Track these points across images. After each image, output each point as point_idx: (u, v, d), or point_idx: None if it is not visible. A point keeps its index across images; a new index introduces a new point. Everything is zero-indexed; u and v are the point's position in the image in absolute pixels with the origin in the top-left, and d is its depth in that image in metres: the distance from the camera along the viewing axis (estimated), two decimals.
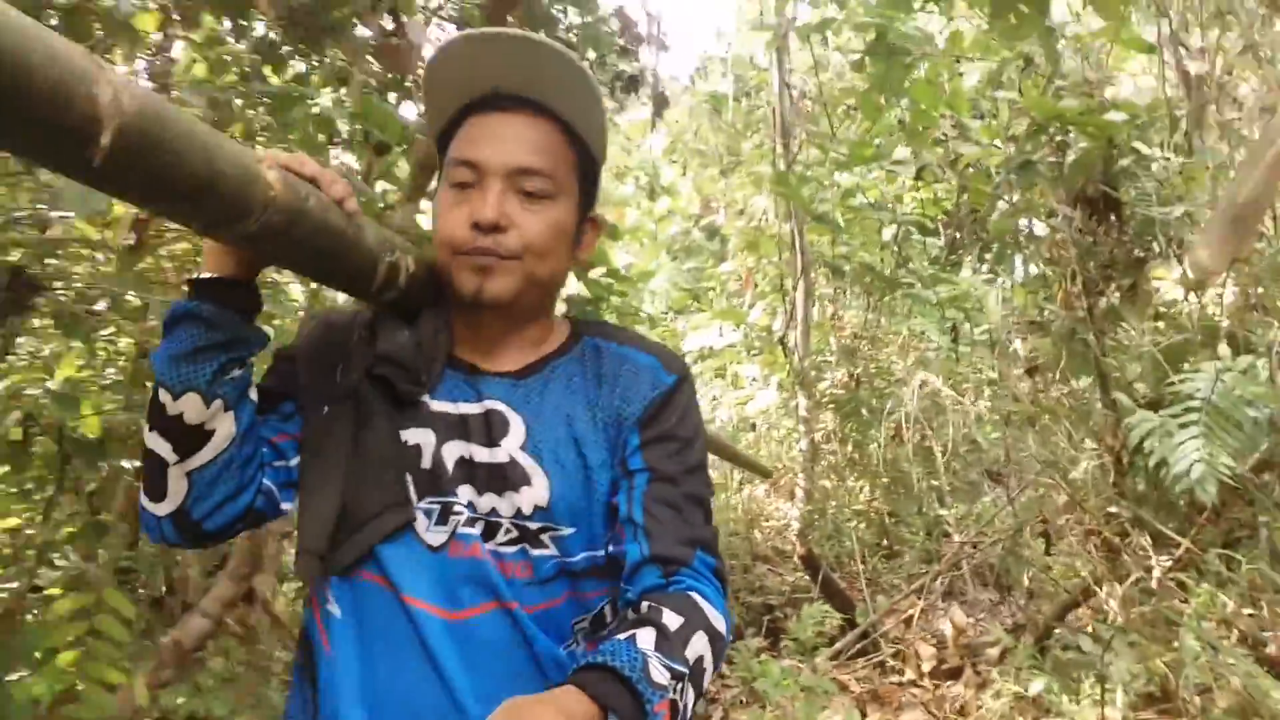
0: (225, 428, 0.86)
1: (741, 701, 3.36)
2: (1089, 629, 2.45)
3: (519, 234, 0.91)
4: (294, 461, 0.95)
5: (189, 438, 0.84)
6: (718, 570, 0.92)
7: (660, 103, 3.38)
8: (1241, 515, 2.32)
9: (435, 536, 0.89)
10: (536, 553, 0.90)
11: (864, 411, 4.49)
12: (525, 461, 0.91)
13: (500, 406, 0.94)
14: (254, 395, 0.90)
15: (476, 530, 0.89)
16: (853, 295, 5.47)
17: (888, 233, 5.00)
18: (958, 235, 4.78)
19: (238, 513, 0.90)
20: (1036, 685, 2.22)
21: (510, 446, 0.92)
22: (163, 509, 0.87)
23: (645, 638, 0.79)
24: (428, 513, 0.90)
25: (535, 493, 0.90)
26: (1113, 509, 2.56)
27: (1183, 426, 2.35)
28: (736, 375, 6.06)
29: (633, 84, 3.15)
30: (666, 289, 7.25)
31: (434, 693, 0.87)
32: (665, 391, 0.96)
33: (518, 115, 0.93)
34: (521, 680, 0.87)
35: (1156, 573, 2.38)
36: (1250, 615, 2.11)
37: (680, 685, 0.78)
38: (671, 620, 0.81)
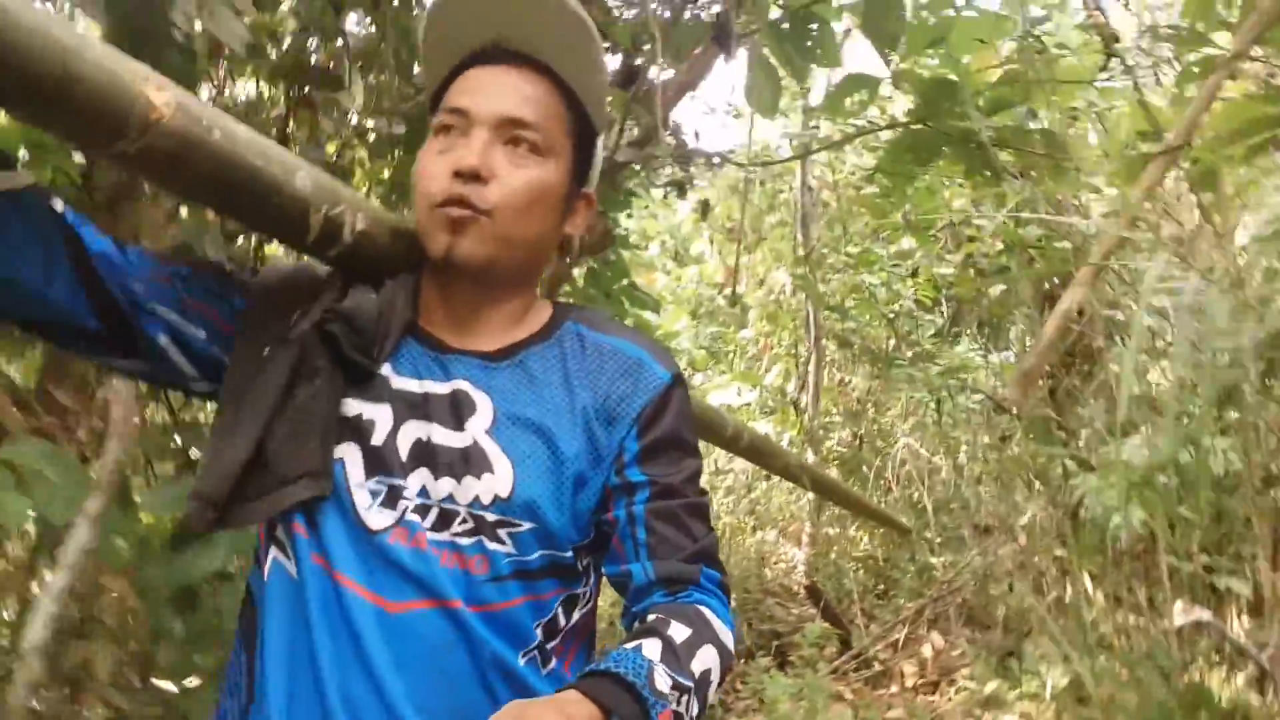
0: None
1: (752, 709, 3.96)
2: (1035, 648, 3.07)
3: (499, 186, 0.85)
4: (201, 334, 0.87)
5: None
6: (722, 583, 0.90)
7: (685, 183, 4.05)
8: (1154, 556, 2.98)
9: (378, 519, 0.83)
10: (492, 547, 0.84)
11: (864, 468, 5.13)
12: (489, 447, 0.85)
13: (468, 387, 0.88)
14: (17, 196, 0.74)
15: (427, 520, 0.83)
16: (859, 364, 6.14)
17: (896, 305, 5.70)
18: (956, 311, 5.48)
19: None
20: (990, 685, 2.81)
21: (475, 430, 0.86)
22: None
23: (651, 648, 0.77)
24: (374, 493, 0.83)
25: (497, 482, 0.84)
26: (1059, 553, 3.20)
27: (1111, 487, 3.01)
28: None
29: (681, 190, 3.84)
30: (689, 348, 7.94)
31: (362, 691, 0.80)
32: (661, 391, 0.91)
33: (515, 69, 0.89)
34: (459, 687, 0.81)
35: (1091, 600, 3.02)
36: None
37: (685, 698, 0.76)
38: (679, 632, 0.80)
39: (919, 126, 2.34)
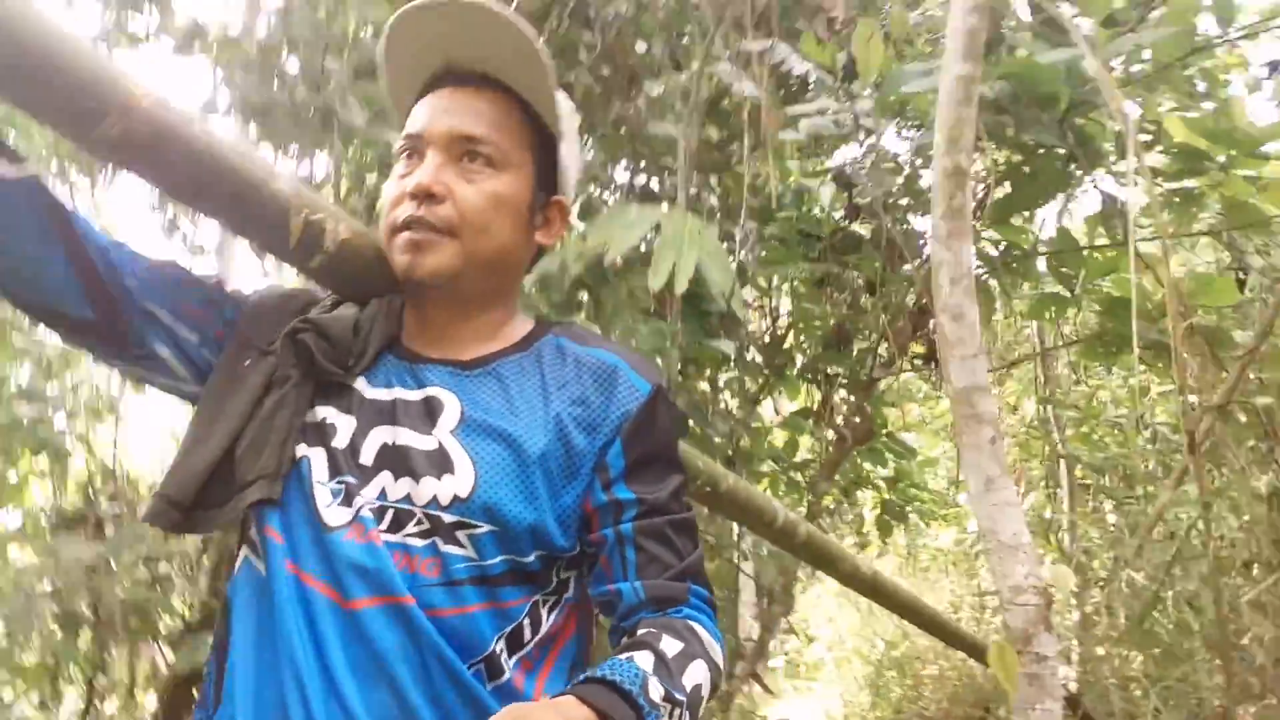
0: None
1: None
2: None
3: (455, 204, 0.87)
4: (194, 338, 0.90)
5: None
6: (709, 600, 0.90)
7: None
8: None
9: (335, 516, 0.84)
10: (446, 549, 0.83)
11: (1124, 587, 5.46)
12: (453, 448, 0.86)
13: (439, 392, 0.89)
14: (17, 185, 0.77)
15: (384, 521, 0.83)
16: (1115, 488, 6.43)
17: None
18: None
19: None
20: None
21: (441, 431, 0.87)
22: None
23: (644, 659, 0.78)
24: (334, 492, 0.85)
25: (457, 482, 0.84)
26: None
27: None
28: None
29: (928, 360, 4.64)
30: (946, 474, 8.42)
31: (319, 688, 0.80)
32: (644, 403, 0.91)
33: (467, 89, 0.91)
34: (406, 690, 0.80)
35: None
36: None
37: (677, 711, 0.77)
38: (670, 646, 0.80)
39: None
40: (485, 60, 0.91)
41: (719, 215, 3.26)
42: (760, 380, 3.77)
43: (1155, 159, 2.76)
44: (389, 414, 0.88)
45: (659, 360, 1.75)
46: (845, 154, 3.20)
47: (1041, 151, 2.64)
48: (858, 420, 3.43)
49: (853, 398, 3.90)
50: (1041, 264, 3.04)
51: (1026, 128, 2.25)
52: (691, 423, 2.50)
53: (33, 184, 0.77)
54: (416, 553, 0.84)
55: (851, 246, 3.48)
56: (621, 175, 2.99)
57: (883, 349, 3.50)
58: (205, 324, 0.92)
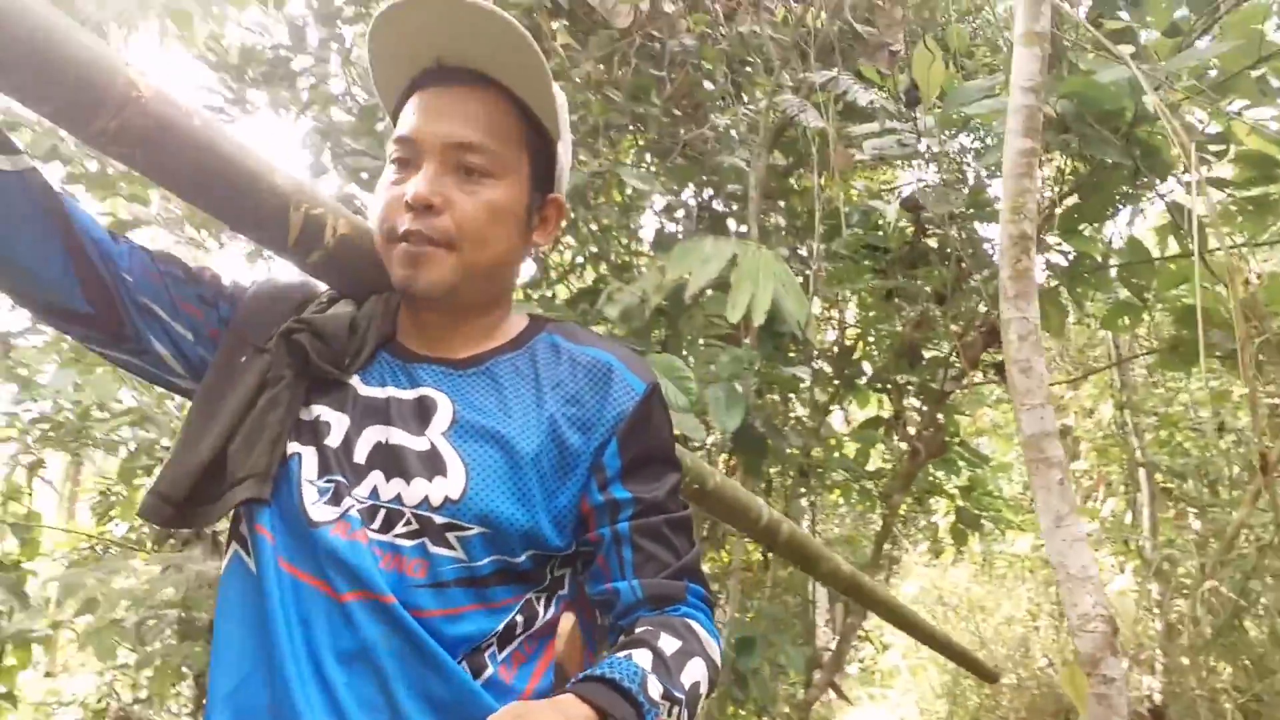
0: None
1: None
2: None
3: (454, 216, 0.86)
4: (189, 335, 0.90)
5: None
6: (705, 598, 0.90)
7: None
8: None
9: (321, 513, 0.84)
10: (436, 551, 0.83)
11: (1209, 596, 5.34)
12: (445, 450, 0.85)
13: (432, 392, 0.89)
14: (15, 179, 0.76)
15: (375, 521, 0.84)
16: (1199, 494, 6.29)
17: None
18: None
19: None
20: None
21: (434, 432, 0.87)
22: None
23: (642, 657, 0.78)
24: (322, 490, 0.85)
25: (448, 484, 0.84)
26: None
27: None
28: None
29: (999, 368, 4.64)
30: (1021, 478, 8.30)
31: (309, 679, 0.80)
32: (639, 403, 0.91)
33: (459, 88, 0.89)
34: (393, 682, 0.80)
35: None
36: None
37: (676, 709, 0.77)
38: (668, 644, 0.81)
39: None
40: (478, 57, 0.89)
41: (786, 234, 3.35)
42: (830, 390, 3.83)
43: (1226, 168, 2.76)
44: (383, 413, 0.88)
45: (737, 385, 1.86)
46: (910, 174, 3.26)
47: (1108, 164, 2.67)
48: (930, 432, 3.47)
49: (925, 408, 3.93)
50: (1114, 272, 3.05)
51: (1090, 144, 2.29)
52: (765, 435, 2.59)
53: (30, 176, 0.77)
54: (404, 553, 0.83)
55: (919, 259, 3.53)
56: (690, 198, 3.11)
57: (954, 359, 3.54)
58: (201, 321, 0.91)
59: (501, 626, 0.85)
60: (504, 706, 0.69)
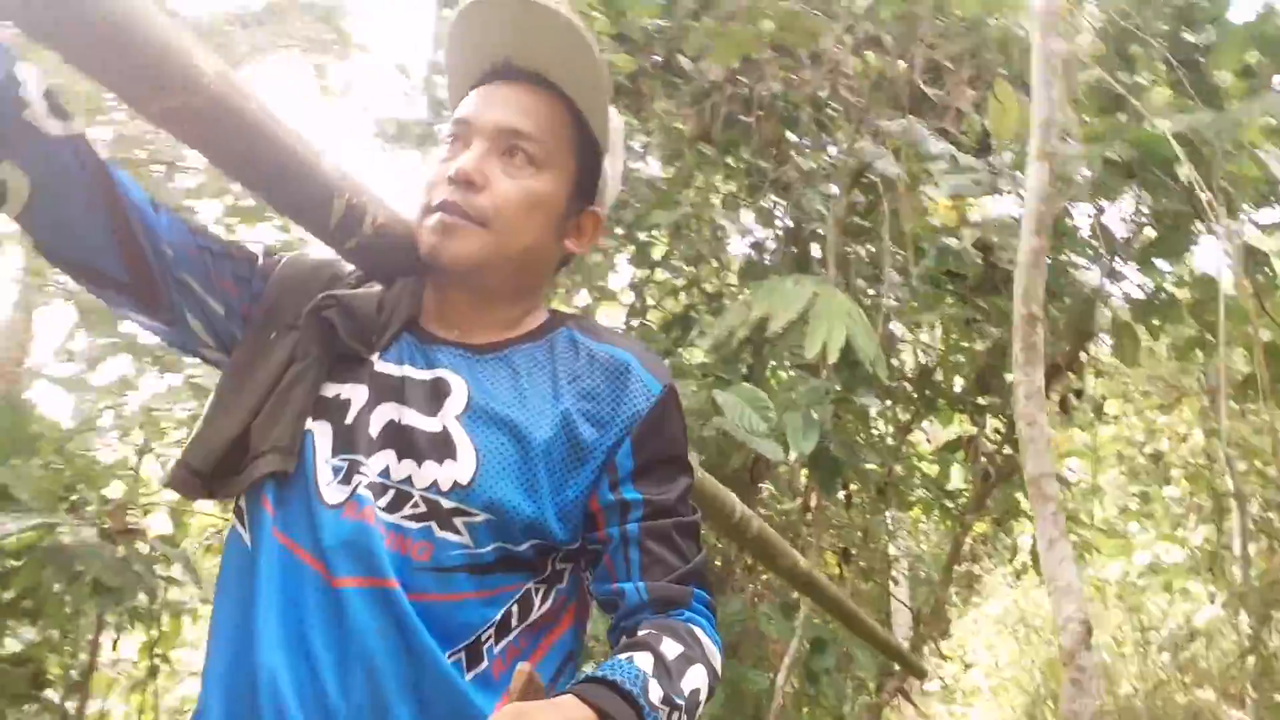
0: (16, 184, 0.76)
1: None
2: None
3: (492, 196, 0.88)
4: (221, 310, 0.91)
5: None
6: (710, 604, 0.91)
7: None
8: None
9: (333, 494, 0.84)
10: (443, 535, 0.83)
11: None
12: (457, 433, 0.86)
13: (448, 374, 0.89)
14: (68, 144, 0.77)
15: (383, 499, 0.83)
16: None
17: None
18: None
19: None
20: None
21: (447, 415, 0.87)
22: (26, 236, 0.81)
23: (643, 661, 0.78)
24: (335, 469, 0.85)
25: (459, 468, 0.84)
26: None
27: None
28: (1186, 590, 6.86)
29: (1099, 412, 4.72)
30: (1115, 501, 8.19)
31: (297, 661, 0.80)
32: (655, 404, 0.91)
33: (521, 85, 0.92)
34: (382, 672, 0.79)
35: None
36: None
37: (675, 714, 0.77)
38: (670, 649, 0.81)
39: None
40: (543, 61, 0.92)
41: (867, 264, 3.57)
42: (911, 410, 3.99)
43: None
44: (397, 391, 0.88)
45: (813, 412, 2.10)
46: (986, 206, 3.44)
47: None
48: (1002, 454, 3.61)
49: (1002, 430, 4.06)
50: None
51: (1152, 190, 2.45)
52: (840, 454, 2.81)
53: (79, 142, 0.77)
54: (409, 535, 0.83)
55: (998, 285, 3.69)
56: (774, 234, 3.36)
57: None
58: (234, 298, 0.92)
59: (499, 616, 0.85)
60: (505, 707, 0.68)
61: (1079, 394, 4.35)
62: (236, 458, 0.86)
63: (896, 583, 5.15)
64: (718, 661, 0.87)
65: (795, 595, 3.07)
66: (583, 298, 3.18)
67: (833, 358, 1.95)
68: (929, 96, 2.70)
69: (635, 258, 3.02)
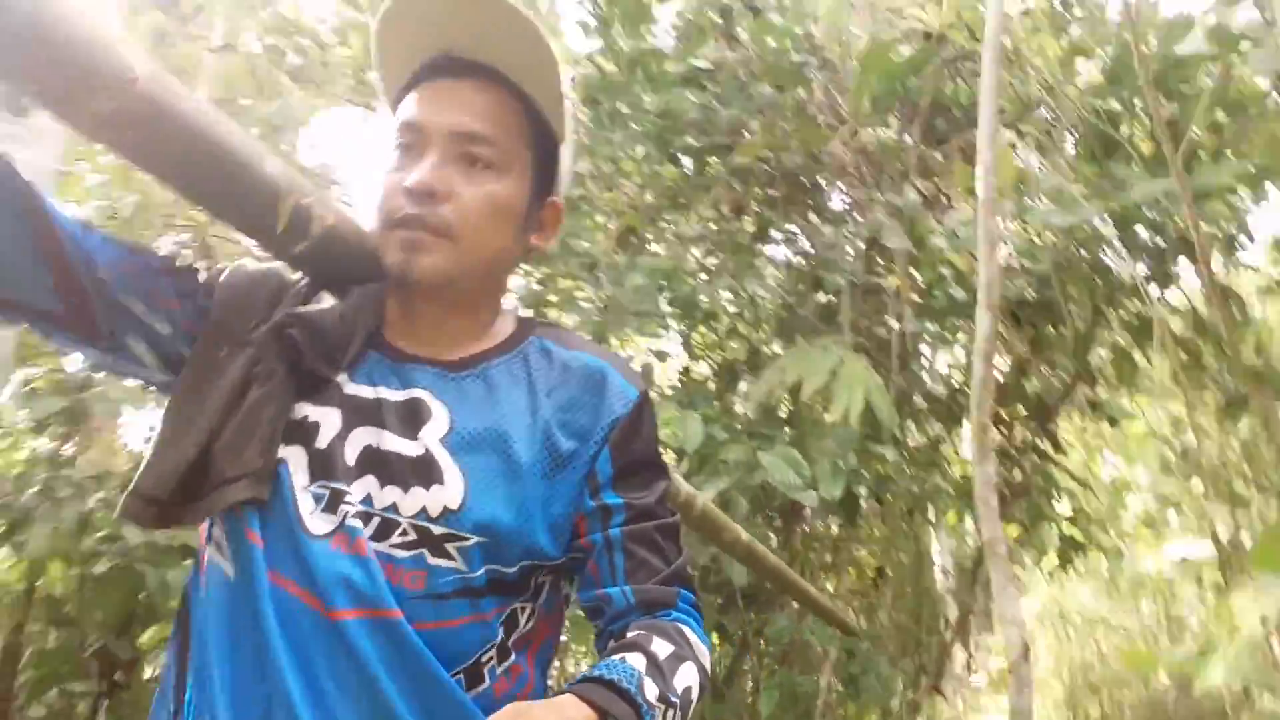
0: None
1: None
2: None
3: (455, 206, 0.85)
4: (167, 329, 0.86)
5: None
6: (695, 604, 0.91)
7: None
8: None
9: (319, 524, 0.81)
10: (435, 562, 0.81)
11: None
12: (442, 457, 0.84)
13: (426, 396, 0.87)
14: None
15: (369, 527, 0.81)
16: None
17: None
18: None
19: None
20: None
21: (429, 438, 0.84)
22: None
23: (636, 660, 0.78)
24: (317, 497, 0.81)
25: (446, 493, 0.82)
26: None
27: None
28: (1217, 584, 7.09)
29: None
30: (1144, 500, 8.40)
31: (298, 699, 0.77)
32: (632, 410, 0.91)
33: (468, 80, 0.88)
34: (388, 702, 0.78)
35: None
36: None
37: (670, 712, 0.78)
38: (661, 648, 0.81)
39: None
40: (487, 51, 0.89)
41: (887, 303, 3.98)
42: (942, 423, 4.38)
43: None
44: (373, 415, 0.85)
45: (840, 462, 2.54)
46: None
47: None
48: (1029, 461, 4.03)
49: (1029, 439, 4.42)
50: None
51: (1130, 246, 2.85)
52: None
53: (3, 167, 0.74)
54: (400, 564, 0.81)
55: (1014, 311, 4.07)
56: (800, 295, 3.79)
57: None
58: (178, 314, 0.87)
59: (498, 638, 0.85)
60: (504, 708, 0.69)
61: (1094, 406, 4.71)
62: (195, 483, 0.82)
63: (944, 578, 5.48)
64: (707, 660, 0.87)
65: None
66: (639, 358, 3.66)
67: (853, 420, 2.39)
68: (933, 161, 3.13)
69: (682, 318, 3.46)
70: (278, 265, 0.95)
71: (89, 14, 0.65)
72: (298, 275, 0.95)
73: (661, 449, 0.98)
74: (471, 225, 0.86)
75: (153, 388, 0.92)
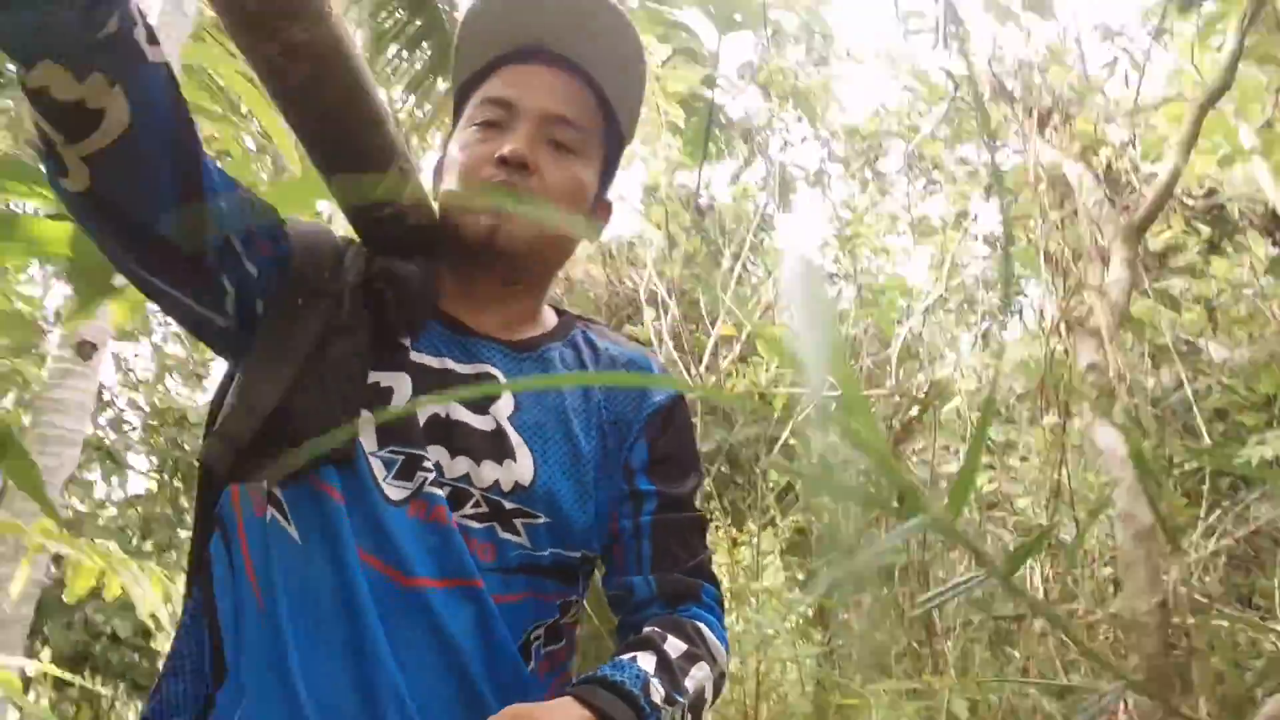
0: (117, 110, 0.65)
1: None
2: None
3: (542, 180, 0.86)
4: (254, 270, 0.81)
5: (69, 117, 0.65)
6: (718, 598, 0.91)
7: None
8: None
9: (395, 490, 0.80)
10: (505, 536, 0.82)
11: None
12: (512, 434, 0.85)
13: (496, 373, 0.87)
14: (162, 70, 0.69)
15: (443, 494, 0.81)
16: None
17: None
18: None
19: (171, 200, 0.71)
20: None
21: (499, 414, 0.85)
22: (72, 185, 0.69)
23: (646, 660, 0.78)
24: (388, 463, 0.81)
25: (519, 469, 0.83)
26: None
27: None
28: None
29: None
30: None
31: (369, 669, 0.76)
32: (669, 402, 0.93)
33: (558, 70, 0.90)
34: (458, 673, 0.78)
35: None
36: None
37: (678, 713, 0.77)
38: (674, 647, 0.81)
39: None
40: (582, 49, 0.91)
41: None
42: None
43: None
44: (441, 385, 0.85)
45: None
46: None
47: None
48: None
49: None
50: None
51: None
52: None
53: (167, 70, 0.70)
54: (473, 535, 0.82)
55: None
56: None
57: None
58: (265, 258, 0.83)
59: (551, 621, 0.86)
60: (504, 709, 0.69)
61: None
62: (271, 435, 0.77)
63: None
64: (724, 658, 0.87)
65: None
66: None
67: None
68: None
69: None
70: (326, 224, 0.96)
71: None
72: (342, 241, 0.92)
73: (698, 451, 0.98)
74: (554, 201, 0.88)
75: (206, 338, 0.86)
